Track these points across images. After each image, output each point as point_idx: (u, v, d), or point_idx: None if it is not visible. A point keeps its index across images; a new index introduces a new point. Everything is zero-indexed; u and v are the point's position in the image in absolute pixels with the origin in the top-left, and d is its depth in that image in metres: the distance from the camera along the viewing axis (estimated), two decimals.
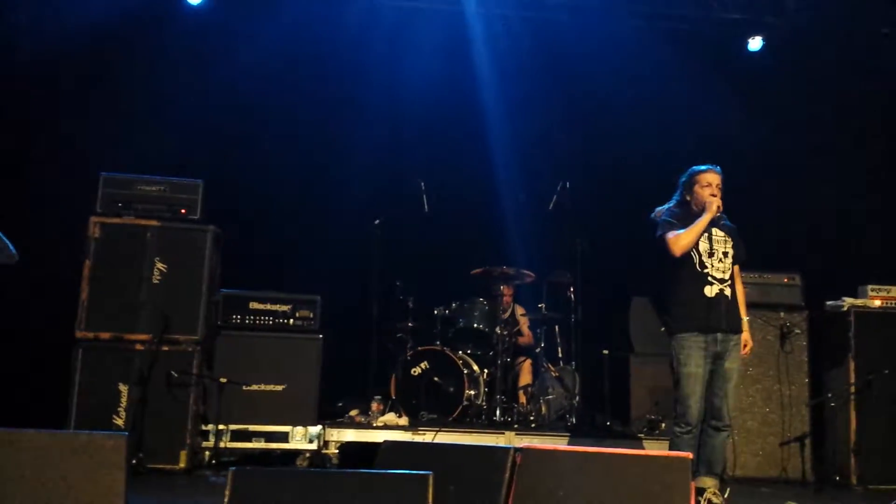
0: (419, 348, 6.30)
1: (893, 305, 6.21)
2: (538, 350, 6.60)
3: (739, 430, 6.02)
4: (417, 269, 6.84)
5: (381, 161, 7.25)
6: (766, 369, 6.15)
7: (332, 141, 7.33)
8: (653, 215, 4.78)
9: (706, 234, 4.50)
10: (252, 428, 5.53)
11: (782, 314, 6.27)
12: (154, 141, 6.69)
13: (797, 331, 6.22)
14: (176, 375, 5.26)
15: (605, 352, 6.44)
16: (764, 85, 7.53)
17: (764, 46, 7.48)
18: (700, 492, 4.33)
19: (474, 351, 6.51)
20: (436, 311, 6.60)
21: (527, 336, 7.00)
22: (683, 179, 4.69)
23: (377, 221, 6.54)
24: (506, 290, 6.89)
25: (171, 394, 5.27)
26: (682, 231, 4.47)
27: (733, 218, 4.70)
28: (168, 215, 5.68)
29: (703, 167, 4.65)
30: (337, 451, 5.57)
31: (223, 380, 5.38)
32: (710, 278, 4.44)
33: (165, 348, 5.31)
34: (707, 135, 7.17)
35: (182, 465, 5.22)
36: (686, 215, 4.56)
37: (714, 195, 4.51)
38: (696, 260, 4.47)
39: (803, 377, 6.19)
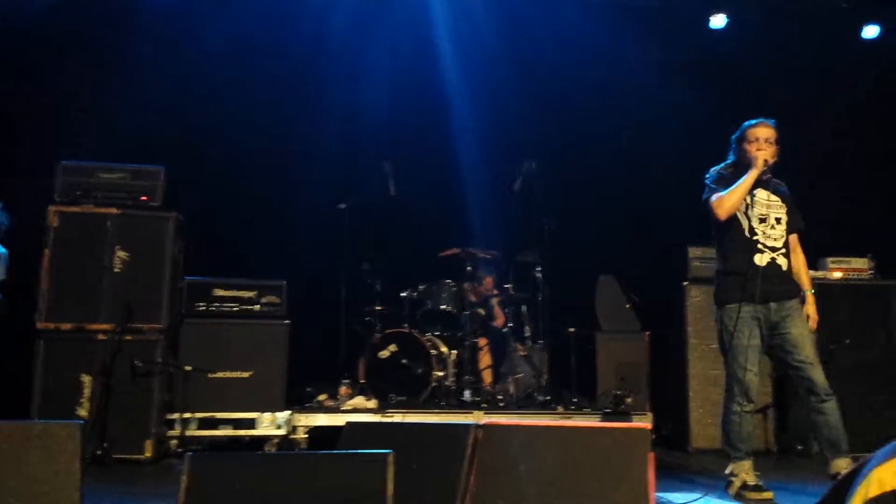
0: (387, 331, 6.30)
1: (853, 277, 6.31)
2: (506, 329, 6.63)
3: (705, 403, 6.12)
4: (385, 252, 6.84)
5: (346, 145, 7.21)
6: None
7: (296, 125, 7.26)
8: (708, 177, 4.44)
9: (758, 199, 4.22)
10: (219, 415, 5.49)
11: None
12: (115, 128, 6.59)
13: None
14: (140, 365, 5.22)
15: (572, 330, 6.48)
16: (727, 61, 7.53)
17: (728, 24, 7.49)
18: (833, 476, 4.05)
19: (442, 332, 6.53)
20: (403, 294, 6.60)
21: (499, 317, 7.02)
22: (735, 136, 4.38)
23: (343, 205, 6.51)
24: (487, 279, 6.93)
25: (135, 383, 5.22)
26: (724, 192, 4.17)
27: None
28: (129, 203, 5.61)
29: (753, 121, 4.33)
30: (306, 436, 5.56)
31: (188, 368, 5.35)
32: (760, 245, 4.17)
33: (128, 338, 5.23)
34: (669, 112, 7.21)
35: (148, 454, 5.18)
36: (735, 176, 4.25)
37: (761, 150, 4.20)
38: (746, 226, 4.19)
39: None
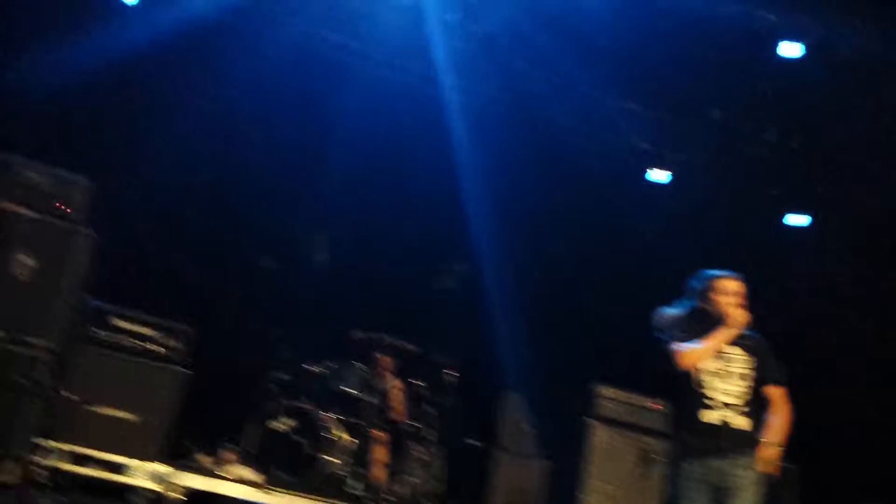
0: (286, 403, 5.99)
1: None
2: (407, 428, 6.41)
3: None
4: (300, 321, 6.57)
5: (285, 204, 7.02)
6: (624, 489, 6.14)
7: (241, 173, 7.00)
8: (656, 320, 4.17)
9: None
10: (91, 453, 5.02)
11: (646, 439, 6.34)
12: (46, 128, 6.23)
13: (658, 458, 6.27)
14: (20, 380, 4.73)
15: (473, 442, 6.34)
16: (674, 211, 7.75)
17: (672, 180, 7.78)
18: None
19: (342, 416, 6.24)
20: (311, 367, 6.32)
21: (400, 411, 6.78)
22: (697, 286, 4.13)
23: (267, 262, 6.28)
24: (385, 360, 6.73)
25: (10, 399, 4.72)
26: (692, 344, 3.93)
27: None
28: (46, 208, 5.22)
29: (719, 272, 4.09)
30: (179, 495, 5.12)
31: (71, 395, 4.90)
32: (711, 402, 3.91)
33: (14, 349, 4.78)
34: (615, 250, 7.37)
35: (7, 477, 4.64)
36: (700, 324, 4.02)
37: (739, 307, 3.97)
38: (700, 380, 3.94)
39: None
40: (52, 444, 4.87)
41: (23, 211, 5.14)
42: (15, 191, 5.21)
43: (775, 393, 4.05)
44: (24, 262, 5.05)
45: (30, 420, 4.81)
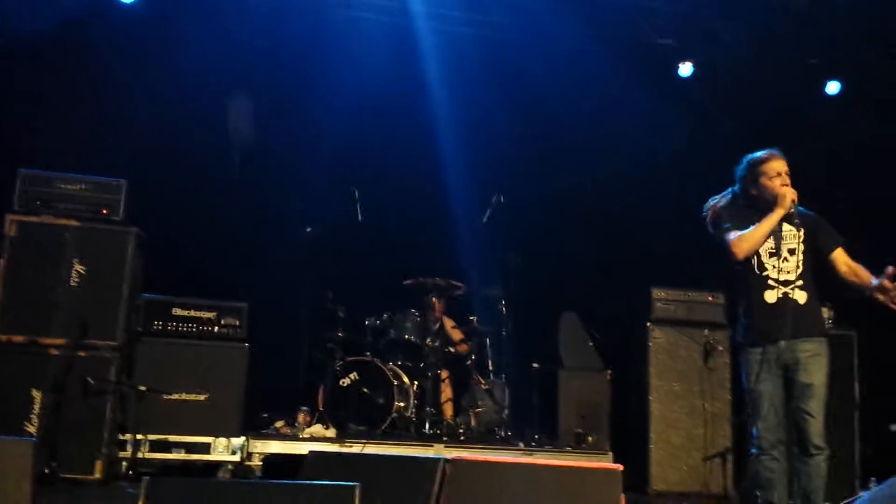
0: (349, 359, 6.20)
1: None
2: (468, 363, 6.58)
3: (664, 445, 6.13)
4: (349, 279, 6.74)
5: (315, 168, 7.15)
6: (689, 385, 6.26)
7: (264, 147, 7.19)
8: (706, 209, 4.24)
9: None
10: (172, 438, 5.32)
11: (706, 332, 6.38)
12: (78, 139, 6.46)
13: (720, 348, 6.33)
14: (92, 382, 5.04)
15: (535, 365, 6.46)
16: (699, 107, 7.62)
17: (695, 72, 7.64)
18: None
19: (405, 362, 6.44)
20: (366, 322, 6.51)
21: (458, 348, 6.93)
22: (741, 172, 4.14)
23: (308, 229, 6.44)
24: (437, 302, 6.85)
25: (87, 401, 5.03)
26: (745, 231, 3.97)
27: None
28: (89, 215, 5.45)
29: (762, 153, 4.09)
30: (261, 463, 5.41)
31: (143, 388, 5.18)
32: (770, 281, 3.97)
33: (82, 354, 5.08)
34: (642, 154, 7.29)
35: (98, 475, 4.97)
36: (749, 211, 4.06)
37: (787, 185, 3.99)
38: (755, 261, 4.00)
39: (726, 394, 6.31)
40: (137, 436, 5.18)
41: (69, 223, 5.39)
42: (58, 205, 5.46)
43: (840, 254, 4.06)
44: (78, 270, 5.33)
45: (110, 417, 5.13)
